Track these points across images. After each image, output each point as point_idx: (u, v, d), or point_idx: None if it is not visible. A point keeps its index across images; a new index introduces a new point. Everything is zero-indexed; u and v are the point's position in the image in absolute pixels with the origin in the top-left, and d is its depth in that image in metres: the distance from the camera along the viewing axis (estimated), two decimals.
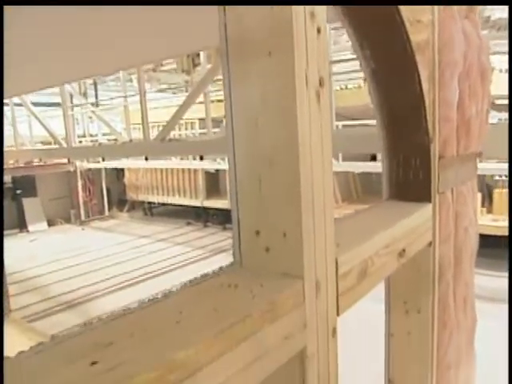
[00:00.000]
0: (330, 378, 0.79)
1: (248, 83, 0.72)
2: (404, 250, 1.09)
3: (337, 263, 0.80)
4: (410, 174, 1.28)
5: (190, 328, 0.57)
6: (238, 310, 0.61)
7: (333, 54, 7.10)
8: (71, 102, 9.97)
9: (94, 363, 0.48)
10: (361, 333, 4.19)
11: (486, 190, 7.87)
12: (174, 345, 0.52)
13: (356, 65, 6.77)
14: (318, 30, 0.74)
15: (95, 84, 13.64)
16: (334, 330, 0.80)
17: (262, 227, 0.73)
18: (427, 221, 1.26)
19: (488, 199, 7.88)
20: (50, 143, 10.18)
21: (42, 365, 0.49)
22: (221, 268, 0.78)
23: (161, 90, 13.50)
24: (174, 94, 12.98)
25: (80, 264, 8.81)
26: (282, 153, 0.69)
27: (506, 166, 6.25)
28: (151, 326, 0.58)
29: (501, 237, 6.66)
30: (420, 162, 1.25)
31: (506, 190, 7.54)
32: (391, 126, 1.26)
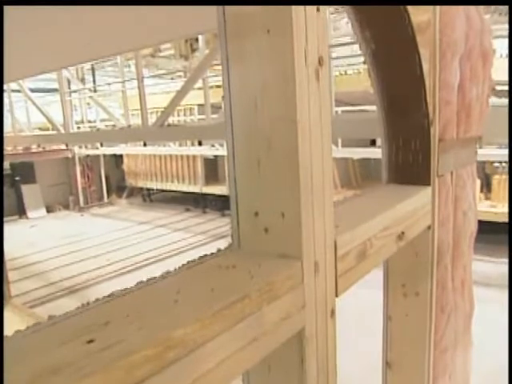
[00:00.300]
0: (328, 358, 0.79)
1: (246, 62, 0.71)
2: (403, 233, 1.09)
3: (336, 244, 0.80)
4: (409, 157, 1.27)
5: (187, 307, 0.57)
6: (236, 290, 0.61)
7: (333, 39, 7.04)
8: (69, 88, 9.90)
9: (90, 341, 0.48)
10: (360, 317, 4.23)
11: (485, 176, 7.87)
12: (171, 323, 0.52)
13: (355, 50, 6.72)
14: (318, 9, 0.72)
15: (93, 70, 13.53)
16: (333, 311, 0.80)
17: (261, 208, 0.72)
18: (426, 204, 1.25)
19: (486, 186, 7.88)
20: (47, 129, 10.15)
21: (38, 343, 0.49)
22: (219, 250, 0.78)
23: (156, 75, 13.38)
24: (173, 79, 12.89)
25: (80, 250, 8.84)
26: (281, 132, 0.68)
27: (505, 152, 6.24)
28: (148, 306, 0.58)
29: (499, 223, 6.69)
30: (420, 145, 1.24)
31: (505, 177, 7.54)
32: (391, 108, 1.25)
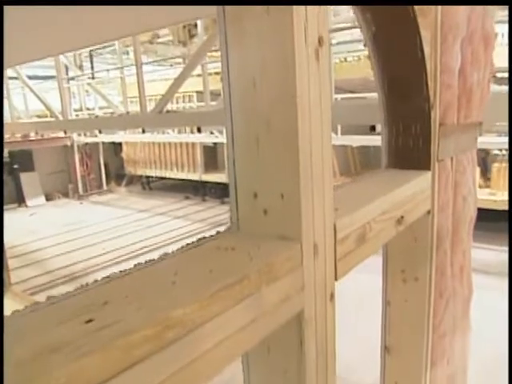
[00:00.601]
0: (327, 341, 0.79)
1: (245, 43, 0.70)
2: (402, 217, 1.08)
3: (335, 227, 0.79)
4: (409, 141, 1.26)
5: (186, 288, 0.57)
6: (235, 272, 0.61)
7: (333, 25, 6.96)
8: (66, 74, 9.83)
9: (89, 321, 0.48)
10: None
11: (483, 164, 7.85)
12: (170, 304, 0.52)
13: (355, 36, 6.66)
14: None
15: (91, 56, 13.42)
16: (332, 295, 0.80)
17: (260, 190, 0.72)
18: (426, 189, 1.25)
19: (486, 173, 7.87)
20: (46, 117, 10.10)
21: (36, 322, 0.49)
22: (218, 232, 0.77)
23: (155, 61, 13.26)
24: (172, 65, 12.79)
25: (79, 238, 8.84)
26: (280, 113, 0.67)
27: (505, 139, 6.22)
28: (147, 287, 0.57)
29: (498, 211, 6.69)
30: (420, 129, 1.23)
31: (504, 165, 7.52)
32: (391, 92, 1.24)
